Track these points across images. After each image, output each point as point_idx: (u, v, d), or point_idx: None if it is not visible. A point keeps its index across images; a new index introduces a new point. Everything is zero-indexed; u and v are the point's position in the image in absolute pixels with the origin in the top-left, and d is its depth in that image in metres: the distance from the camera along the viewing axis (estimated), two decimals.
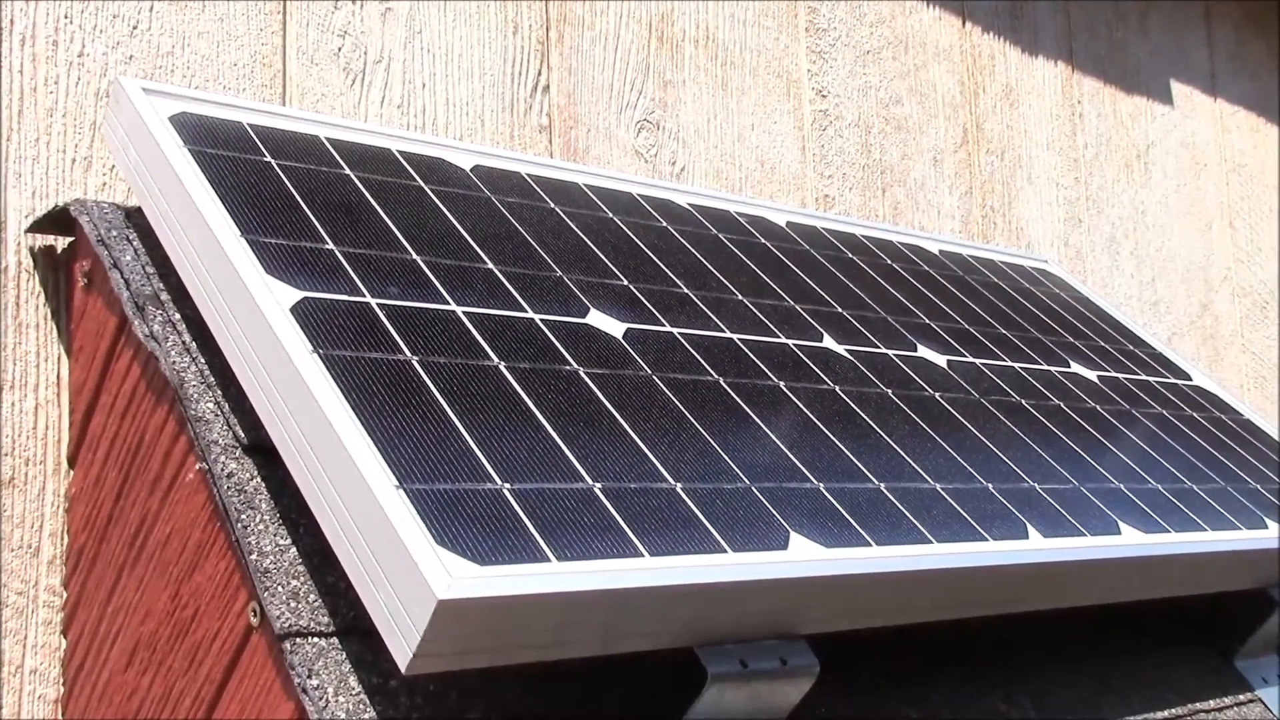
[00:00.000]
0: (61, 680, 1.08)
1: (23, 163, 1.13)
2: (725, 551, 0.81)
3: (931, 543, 0.93)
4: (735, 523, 0.85)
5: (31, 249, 1.12)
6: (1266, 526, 1.24)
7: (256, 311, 0.82)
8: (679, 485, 0.86)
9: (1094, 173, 2.25)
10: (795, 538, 0.86)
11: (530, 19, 1.52)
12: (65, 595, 1.08)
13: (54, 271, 1.13)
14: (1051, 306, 1.61)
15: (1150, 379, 1.51)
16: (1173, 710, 1.14)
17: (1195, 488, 1.26)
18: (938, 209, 1.95)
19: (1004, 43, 2.12)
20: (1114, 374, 1.47)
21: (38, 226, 1.11)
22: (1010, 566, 0.96)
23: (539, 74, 1.52)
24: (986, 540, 0.97)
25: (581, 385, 0.92)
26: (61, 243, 1.13)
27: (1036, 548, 1.00)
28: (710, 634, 0.81)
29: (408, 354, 0.85)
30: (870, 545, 0.89)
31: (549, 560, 0.73)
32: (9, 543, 1.08)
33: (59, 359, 1.12)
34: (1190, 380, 1.58)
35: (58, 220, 1.10)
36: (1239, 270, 2.52)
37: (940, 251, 1.60)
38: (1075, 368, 1.43)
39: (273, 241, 0.90)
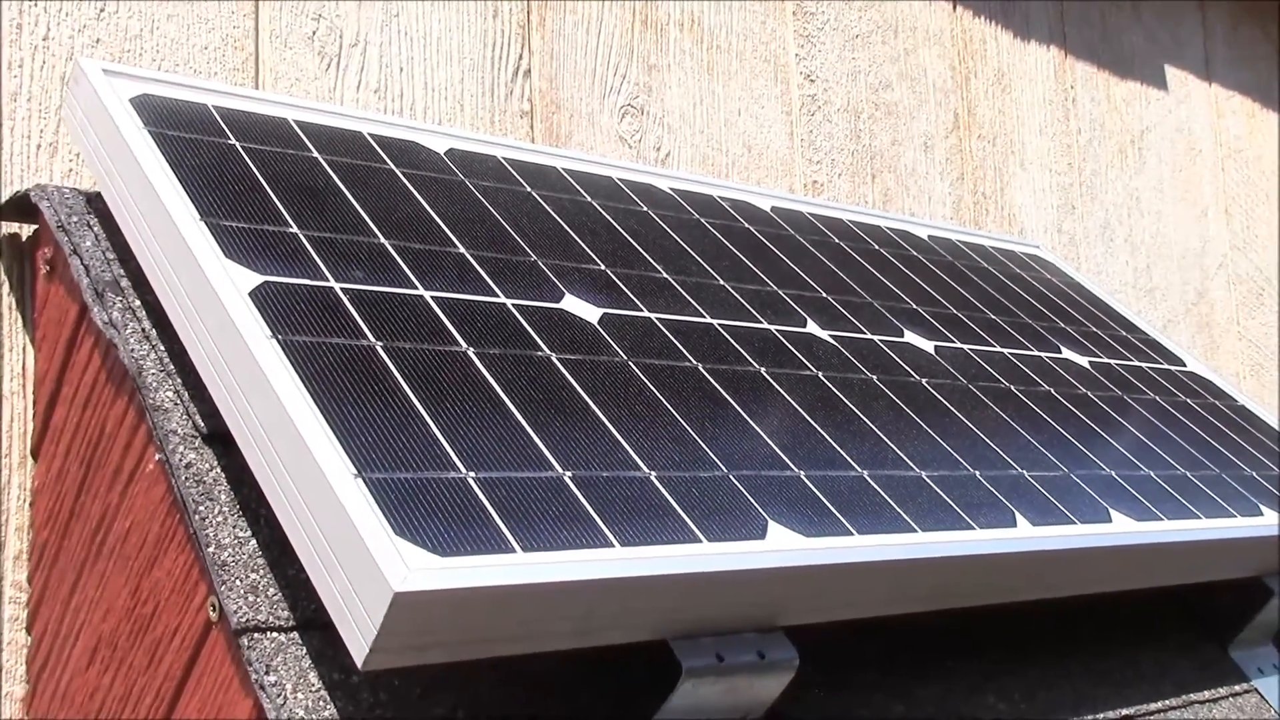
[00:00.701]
0: (26, 679, 1.05)
1: None
2: (700, 541, 0.78)
3: (916, 531, 0.91)
4: (711, 512, 0.82)
5: None
6: (1262, 514, 1.21)
7: (213, 296, 0.80)
8: (653, 473, 0.83)
9: (1088, 158, 2.22)
10: (774, 527, 0.84)
11: (511, 2, 1.49)
12: (29, 592, 1.05)
13: (19, 260, 1.10)
14: (1042, 292, 1.58)
15: (1143, 365, 1.48)
16: (1168, 701, 1.12)
17: (1189, 475, 1.23)
18: (929, 195, 1.92)
19: (996, 27, 2.09)
20: (1106, 360, 1.44)
21: (1, 214, 1.08)
22: (998, 555, 0.94)
23: (520, 58, 1.49)
24: (973, 529, 0.95)
25: (554, 371, 0.89)
26: (27, 230, 1.11)
27: (1025, 536, 0.97)
28: (685, 626, 0.78)
29: (371, 339, 0.82)
30: (852, 534, 0.87)
31: (514, 551, 0.70)
32: None
33: (24, 349, 1.09)
34: (1184, 366, 1.55)
35: (20, 206, 1.07)
36: (1235, 257, 2.49)
37: (929, 237, 1.58)
38: (1066, 353, 1.41)
39: (233, 225, 0.88)
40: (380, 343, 0.83)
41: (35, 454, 1.06)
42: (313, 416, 0.72)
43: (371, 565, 0.65)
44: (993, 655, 1.08)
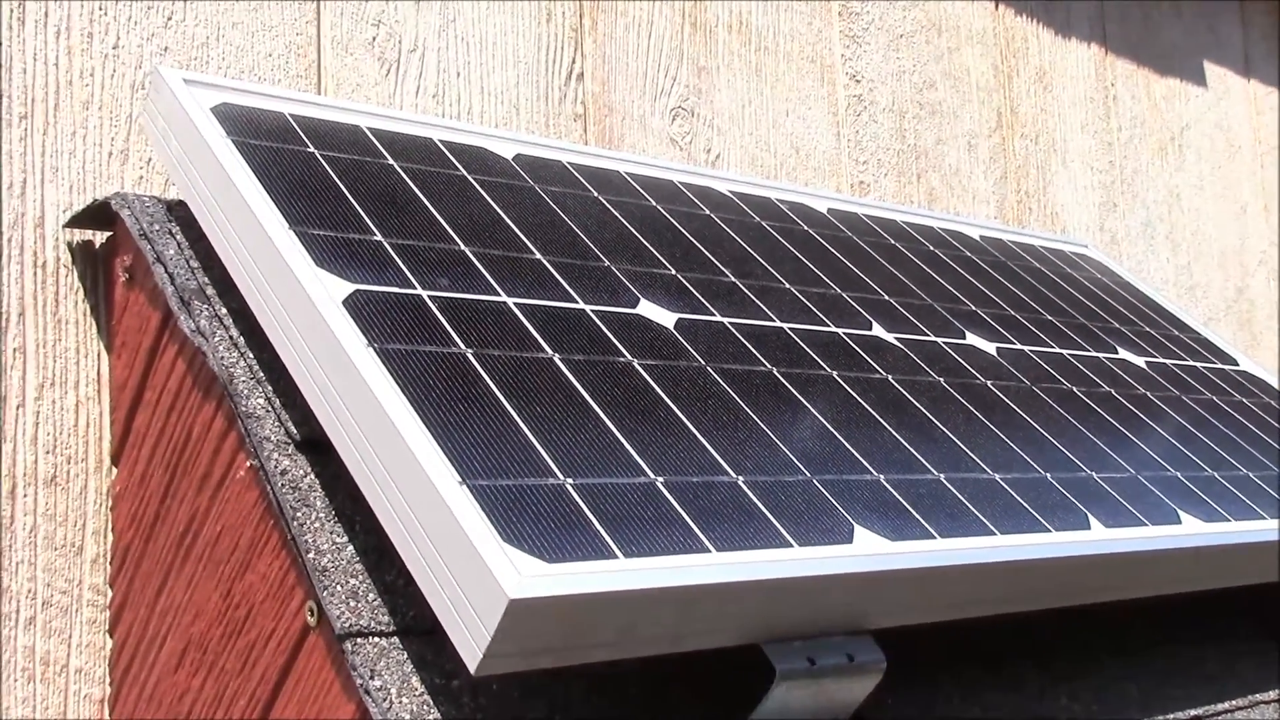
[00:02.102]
0: (108, 680, 1.06)
1: (59, 157, 1.11)
2: (791, 545, 0.79)
3: (995, 534, 0.91)
4: (799, 516, 0.83)
5: (69, 244, 1.11)
6: None
7: (309, 305, 0.81)
8: (740, 478, 0.84)
9: (1128, 156, 2.22)
10: (859, 530, 0.84)
11: (564, 6, 1.50)
12: (110, 594, 1.07)
13: (93, 266, 1.12)
14: (1094, 291, 1.58)
15: (1198, 364, 1.49)
16: (1234, 701, 1.12)
17: (1251, 475, 1.23)
18: (973, 194, 1.93)
19: (1037, 25, 2.09)
20: (1161, 360, 1.45)
21: (76, 221, 1.10)
22: (1074, 558, 0.94)
23: (573, 61, 1.50)
24: (1049, 531, 0.95)
25: (636, 377, 0.90)
26: (100, 237, 1.12)
27: (1099, 538, 0.98)
28: (777, 630, 0.79)
29: (462, 347, 0.83)
30: (934, 537, 0.87)
31: (616, 557, 0.71)
32: (52, 541, 1.06)
33: (99, 355, 1.11)
34: (1237, 365, 1.55)
35: (96, 214, 1.08)
36: (1274, 254, 2.49)
37: (981, 237, 1.58)
38: (1123, 354, 1.41)
39: (321, 233, 0.89)
40: (471, 350, 0.83)
41: (115, 460, 1.07)
42: (416, 425, 0.73)
43: (484, 572, 0.66)
44: (1058, 657, 1.09)
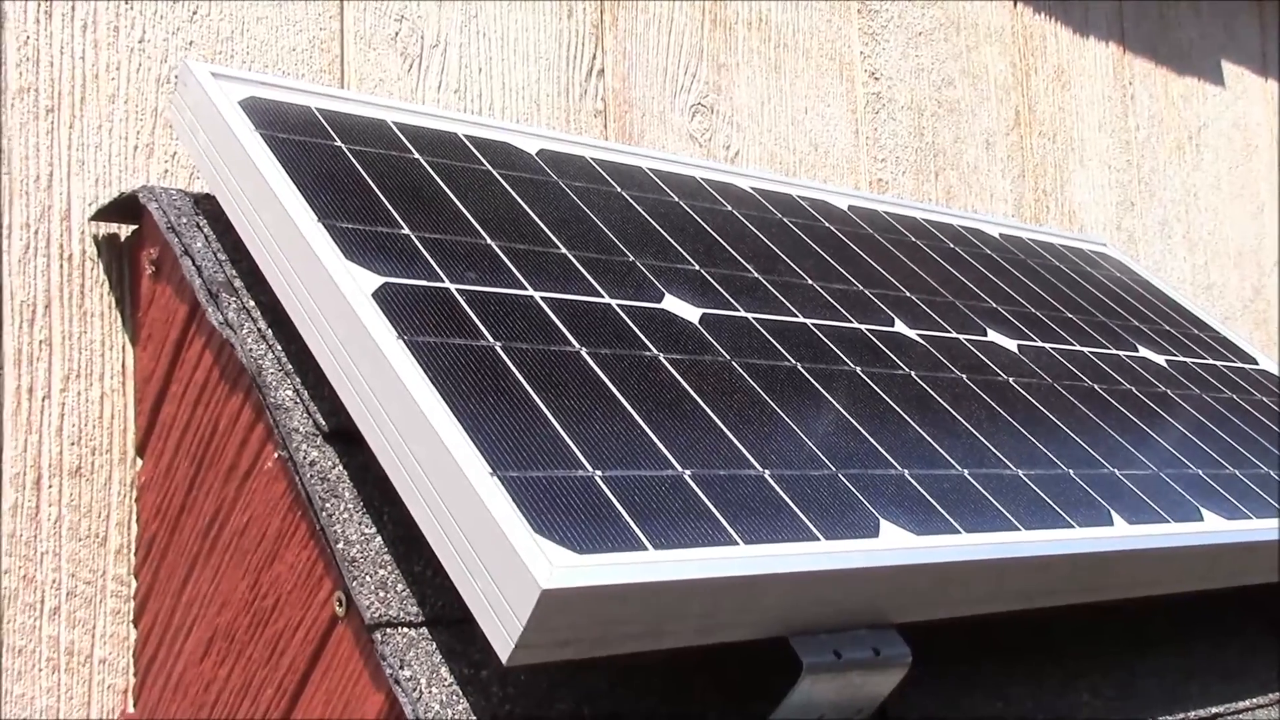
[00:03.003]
0: (132, 670, 1.07)
1: (85, 150, 1.12)
2: (818, 539, 0.80)
3: (1019, 530, 0.92)
4: (825, 510, 0.83)
5: (95, 237, 1.11)
6: None
7: (340, 298, 0.81)
8: (767, 472, 0.84)
9: (1146, 155, 2.21)
10: (885, 525, 0.85)
11: (585, 2, 1.50)
12: (135, 585, 1.07)
13: (118, 259, 1.12)
14: (1113, 290, 1.58)
15: (1217, 363, 1.49)
16: (1255, 699, 1.12)
17: (1272, 473, 1.23)
18: (990, 193, 1.93)
19: (1055, 23, 2.09)
20: (1181, 358, 1.45)
21: (102, 214, 1.10)
22: (1097, 554, 0.94)
23: (594, 58, 1.51)
24: (1073, 527, 0.95)
25: (662, 371, 0.90)
26: (125, 230, 1.12)
27: (1123, 534, 0.98)
28: (804, 623, 0.79)
29: (490, 340, 0.84)
30: (960, 533, 0.88)
31: (646, 549, 0.71)
32: (76, 532, 1.07)
33: (124, 347, 1.11)
34: (1257, 364, 1.55)
35: (122, 207, 1.09)
36: None
37: (1000, 235, 1.58)
38: (1143, 352, 1.41)
39: (349, 226, 0.89)
40: (499, 343, 0.84)
41: (140, 451, 1.08)
42: (447, 417, 0.74)
43: (517, 563, 0.66)
44: (1078, 652, 1.09)
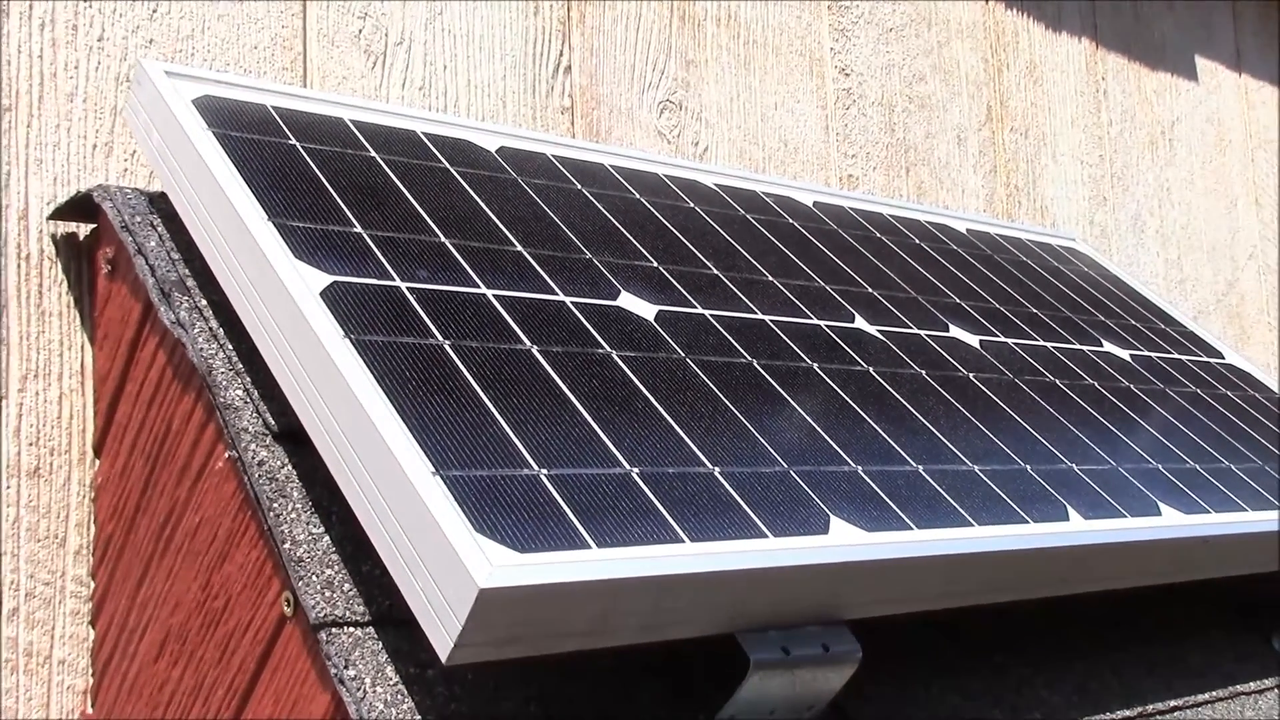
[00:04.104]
0: (90, 671, 1.07)
1: (44, 149, 1.11)
2: (766, 536, 0.80)
3: (972, 525, 0.92)
4: (775, 507, 0.83)
5: (53, 236, 1.11)
6: None
7: (286, 296, 0.81)
8: (717, 469, 0.84)
9: (1119, 150, 2.22)
10: (835, 521, 0.85)
11: None
12: (93, 586, 1.07)
13: (76, 259, 1.12)
14: (1081, 285, 1.59)
15: (1183, 358, 1.49)
16: (1215, 692, 1.13)
17: (1233, 467, 1.24)
18: (962, 188, 1.93)
19: (1027, 18, 2.10)
20: (1147, 353, 1.45)
21: (60, 213, 1.10)
22: (1053, 549, 0.95)
23: (560, 54, 1.50)
24: (1028, 523, 0.96)
25: (615, 368, 0.90)
26: (84, 229, 1.12)
27: (1078, 529, 0.98)
28: (752, 620, 0.79)
29: (440, 338, 0.84)
30: (911, 528, 0.88)
31: (590, 547, 0.71)
32: (35, 533, 1.07)
33: (82, 347, 1.11)
34: (1223, 359, 1.56)
35: (80, 206, 1.08)
36: (1265, 248, 2.49)
37: (968, 230, 1.58)
38: (1108, 346, 1.41)
39: (300, 225, 0.89)
40: (448, 341, 0.84)
41: (97, 451, 1.07)
42: (390, 416, 0.74)
43: (455, 562, 0.66)
44: (1041, 647, 1.09)
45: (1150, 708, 1.07)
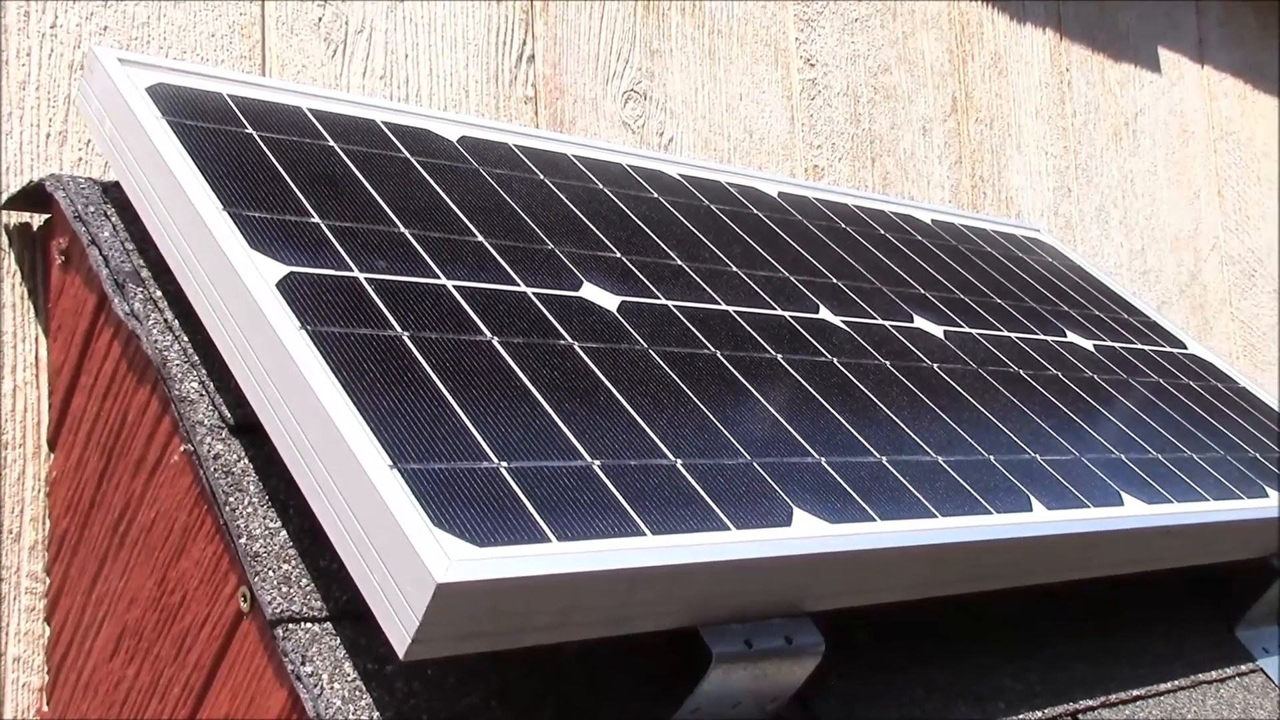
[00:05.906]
0: (46, 668, 1.05)
1: None
2: (729, 529, 0.79)
3: (936, 516, 0.91)
4: (737, 499, 0.82)
5: (6, 227, 1.09)
6: (1267, 495, 1.22)
7: (241, 287, 0.80)
8: (679, 461, 0.84)
9: (1083, 141, 2.23)
10: (799, 513, 0.84)
11: None
12: (48, 581, 1.05)
13: (30, 250, 1.10)
14: (1045, 276, 1.59)
15: (1146, 348, 1.50)
16: (1178, 681, 1.13)
17: (1195, 457, 1.24)
18: (927, 179, 1.93)
19: (992, 9, 2.10)
20: (1110, 343, 1.46)
21: (12, 203, 1.08)
22: (1016, 540, 0.95)
23: (523, 43, 1.49)
24: (991, 513, 0.96)
25: (577, 360, 0.89)
26: (38, 220, 1.10)
27: (1041, 520, 0.98)
28: (714, 613, 0.78)
29: (398, 329, 0.83)
30: (874, 520, 0.87)
31: (549, 540, 0.70)
32: None
33: (37, 339, 1.09)
34: (1186, 349, 1.56)
35: (33, 196, 1.06)
36: (1227, 238, 2.51)
37: (933, 221, 1.58)
38: (1071, 337, 1.42)
39: (256, 215, 0.87)
40: (407, 333, 0.83)
41: (52, 444, 1.06)
42: (347, 408, 0.72)
43: (412, 557, 0.65)
44: (1004, 638, 1.10)
45: (1114, 696, 1.07)
